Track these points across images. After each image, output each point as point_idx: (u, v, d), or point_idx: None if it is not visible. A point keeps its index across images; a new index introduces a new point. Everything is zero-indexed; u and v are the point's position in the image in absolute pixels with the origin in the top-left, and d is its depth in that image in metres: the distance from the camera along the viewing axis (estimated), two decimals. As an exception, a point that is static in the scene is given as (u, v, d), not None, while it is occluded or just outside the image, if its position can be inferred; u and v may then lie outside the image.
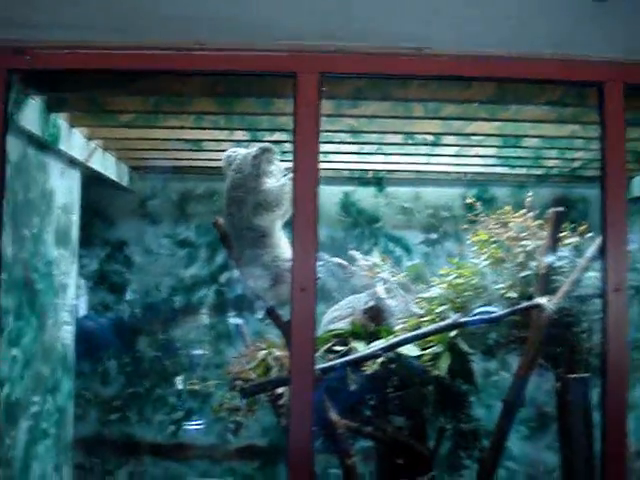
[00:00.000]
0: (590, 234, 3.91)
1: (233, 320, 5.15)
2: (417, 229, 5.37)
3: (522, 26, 2.75)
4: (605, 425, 2.84)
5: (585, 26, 2.69)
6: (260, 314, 3.71)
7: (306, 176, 2.74)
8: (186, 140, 4.34)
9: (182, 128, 4.00)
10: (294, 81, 2.74)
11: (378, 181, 5.32)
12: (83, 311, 5.13)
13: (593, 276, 3.82)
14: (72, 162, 4.28)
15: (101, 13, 2.71)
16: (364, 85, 3.26)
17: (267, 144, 3.50)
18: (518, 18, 2.72)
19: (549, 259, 3.81)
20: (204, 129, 4.02)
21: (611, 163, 2.83)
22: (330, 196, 5.32)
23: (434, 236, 5.37)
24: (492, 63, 2.81)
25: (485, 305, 3.83)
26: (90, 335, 5.11)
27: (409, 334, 3.74)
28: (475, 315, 3.76)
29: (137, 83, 3.32)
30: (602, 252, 2.90)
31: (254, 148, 3.50)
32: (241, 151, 3.55)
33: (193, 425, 5.18)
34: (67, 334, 4.52)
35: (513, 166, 4.95)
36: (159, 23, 2.74)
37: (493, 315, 3.75)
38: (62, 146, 3.94)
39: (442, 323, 3.74)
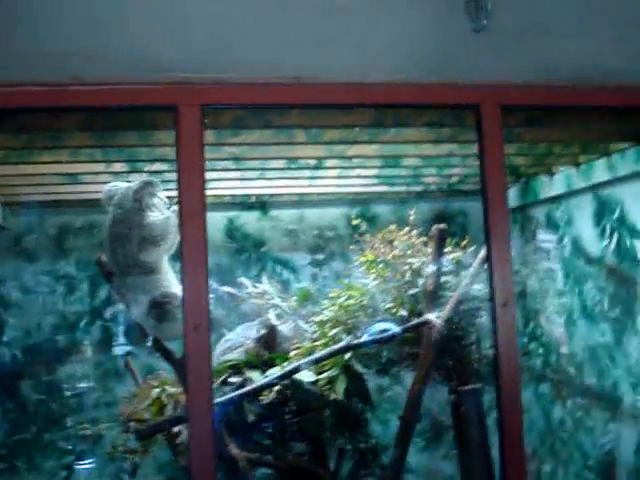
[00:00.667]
0: (472, 247, 4.04)
1: (120, 356, 5.00)
2: (303, 251, 5.38)
3: (401, 52, 2.82)
4: (502, 432, 2.92)
5: (461, 52, 2.77)
6: (149, 349, 3.62)
7: (192, 209, 2.69)
8: (62, 174, 4.18)
9: (57, 163, 3.84)
10: (175, 114, 2.68)
11: (262, 205, 5.30)
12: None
13: (477, 288, 3.94)
14: (-61, 203, 4.06)
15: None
16: (245, 114, 3.24)
17: (149, 177, 3.42)
18: (397, 45, 2.77)
19: (435, 275, 3.90)
20: (80, 162, 3.88)
21: (491, 182, 2.92)
22: (214, 222, 5.21)
23: (321, 257, 5.39)
24: (371, 90, 2.85)
25: (379, 321, 3.87)
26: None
27: (304, 360, 3.74)
28: (372, 331, 3.80)
29: (9, 120, 3.17)
30: (488, 268, 2.98)
31: (135, 182, 3.42)
32: (122, 185, 3.46)
33: (84, 466, 4.98)
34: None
35: (393, 184, 5.04)
36: (30, 58, 2.63)
37: (385, 335, 3.79)
38: None
39: (336, 346, 3.76)
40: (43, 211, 5.03)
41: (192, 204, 2.68)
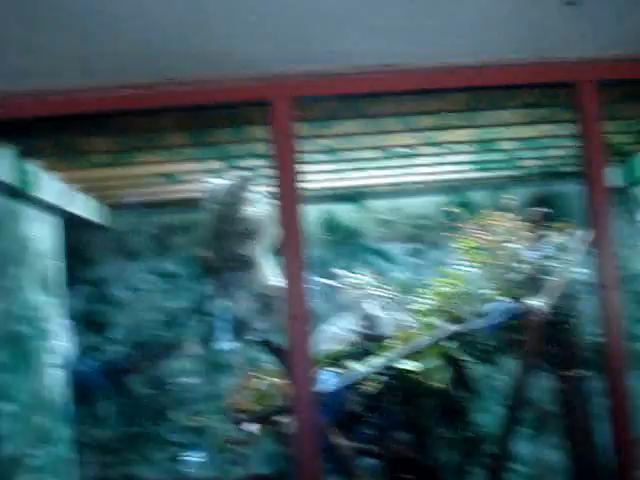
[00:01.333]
0: (573, 230, 3.93)
1: (224, 350, 5.10)
2: (400, 240, 5.35)
3: (490, 33, 2.75)
4: (613, 418, 2.84)
5: (553, 28, 2.70)
6: (252, 342, 3.69)
7: (288, 204, 2.72)
8: (161, 174, 4.30)
9: (156, 163, 3.96)
10: (267, 108, 2.72)
11: (358, 196, 5.30)
12: (73, 354, 5.06)
13: (581, 272, 3.84)
14: (49, 207, 4.23)
15: (66, 58, 2.68)
16: (337, 105, 3.25)
17: (245, 173, 3.48)
18: (485, 25, 2.72)
19: (535, 260, 3.82)
20: (178, 162, 3.98)
21: (591, 163, 2.83)
22: (311, 215, 5.28)
23: (418, 246, 5.35)
24: (463, 73, 2.81)
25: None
26: (81, 379, 5.03)
27: (404, 349, 3.73)
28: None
29: (107, 124, 3.28)
30: (591, 252, 2.90)
31: (233, 178, 3.48)
32: (220, 182, 3.53)
33: (195, 458, 5.11)
34: (57, 381, 4.45)
35: (490, 169, 4.95)
36: (125, 62, 2.71)
37: (486, 324, 3.74)
38: (38, 192, 3.89)
39: (436, 334, 3.73)
40: (145, 211, 5.19)
41: (288, 197, 2.71)
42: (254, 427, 3.54)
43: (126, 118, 3.21)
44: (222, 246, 3.41)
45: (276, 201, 2.75)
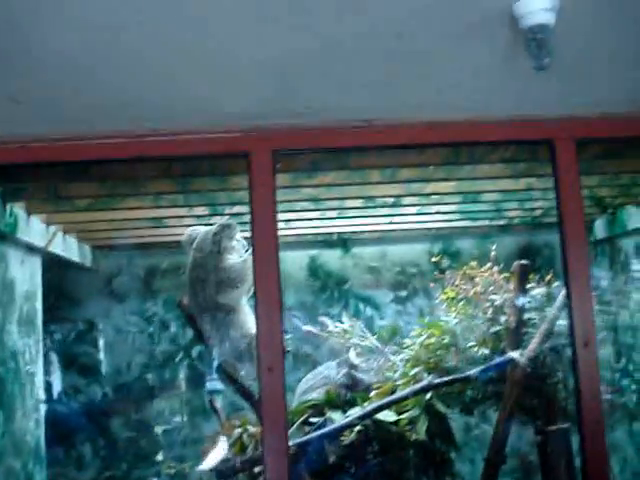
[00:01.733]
0: (557, 282, 3.94)
1: (207, 394, 5.08)
2: (386, 287, 5.36)
3: (469, 90, 2.79)
4: (586, 474, 2.82)
5: (531, 86, 2.73)
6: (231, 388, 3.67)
7: (266, 253, 2.72)
8: (147, 218, 4.32)
9: (141, 208, 3.99)
10: (247, 160, 2.74)
11: (343, 243, 5.33)
12: (54, 394, 5.03)
13: (563, 324, 3.83)
14: (32, 249, 4.24)
15: (50, 107, 2.70)
16: (320, 157, 3.28)
17: (227, 220, 3.49)
18: (465, 83, 2.75)
19: (517, 312, 3.82)
20: (163, 207, 4.01)
21: (569, 218, 2.85)
22: (297, 261, 5.30)
23: (403, 293, 5.36)
24: (443, 129, 2.85)
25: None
26: (61, 420, 5.00)
27: (385, 399, 3.71)
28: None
29: (91, 170, 3.31)
30: (568, 307, 2.91)
31: (214, 225, 3.49)
32: (201, 229, 3.54)
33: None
34: (37, 423, 4.41)
35: (475, 219, 4.99)
36: (108, 112, 2.73)
37: (467, 373, 3.73)
38: (21, 234, 3.90)
39: (417, 386, 3.71)
40: (131, 253, 5.19)
41: (265, 246, 2.72)
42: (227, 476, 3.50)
43: (108, 165, 3.23)
44: (200, 293, 3.41)
45: (252, 249, 2.76)
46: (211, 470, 3.67)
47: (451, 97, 2.77)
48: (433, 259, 4.15)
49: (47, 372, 4.76)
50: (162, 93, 2.65)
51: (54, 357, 5.11)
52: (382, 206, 4.29)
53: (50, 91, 2.62)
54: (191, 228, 3.58)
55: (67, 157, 2.85)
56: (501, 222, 5.13)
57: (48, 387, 4.82)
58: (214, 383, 4.97)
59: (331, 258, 5.37)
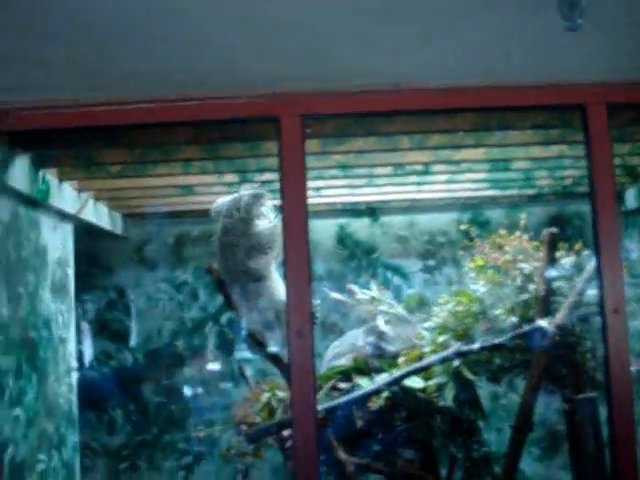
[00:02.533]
0: (586, 251, 3.91)
1: (237, 361, 5.14)
2: (414, 257, 5.36)
3: (501, 54, 2.76)
4: (614, 443, 2.82)
5: (564, 50, 2.69)
6: (261, 354, 3.71)
7: (296, 218, 2.74)
8: (177, 186, 4.35)
9: (171, 175, 4.01)
10: (277, 125, 2.74)
11: (372, 211, 5.32)
12: (86, 360, 5.11)
13: (592, 294, 3.81)
14: (64, 216, 4.28)
15: (82, 71, 2.72)
16: (349, 123, 3.27)
17: (257, 190, 3.50)
18: (496, 47, 2.72)
19: (546, 280, 3.80)
20: (193, 174, 4.02)
21: (600, 185, 2.83)
22: (325, 230, 5.31)
23: (432, 263, 5.35)
24: (473, 94, 2.83)
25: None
26: (93, 386, 5.09)
27: (412, 366, 3.72)
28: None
29: (122, 136, 3.33)
30: (598, 274, 2.89)
31: (243, 193, 3.51)
32: (230, 197, 3.56)
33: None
34: (69, 388, 4.50)
35: (505, 188, 4.96)
36: (139, 77, 2.75)
37: (495, 341, 3.73)
38: (53, 201, 3.94)
39: (445, 353, 3.71)
40: (162, 221, 5.24)
41: (295, 212, 2.74)
42: (256, 439, 3.55)
43: (139, 131, 3.24)
44: (230, 259, 3.43)
45: (283, 215, 2.77)
46: (240, 434, 3.72)
47: (481, 61, 2.75)
48: (462, 227, 4.12)
49: (79, 338, 4.83)
50: (192, 58, 2.65)
51: (86, 324, 5.19)
52: (411, 173, 4.27)
53: (82, 56, 2.64)
54: (221, 198, 3.59)
55: (98, 122, 2.88)
56: (531, 191, 5.09)
57: (80, 353, 4.90)
58: (243, 351, 5.04)
59: (360, 227, 5.37)
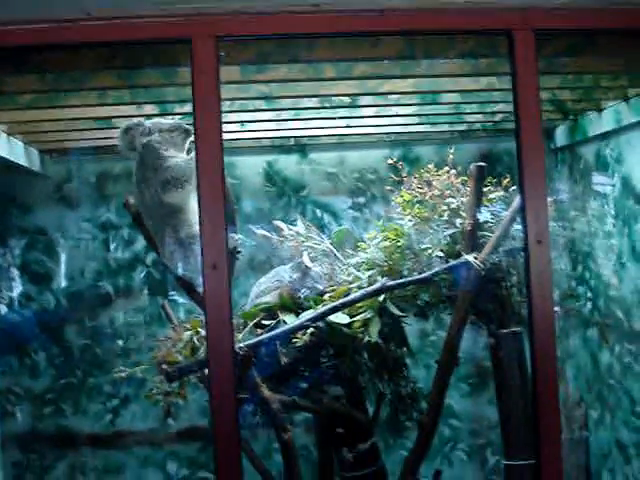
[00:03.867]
0: (514, 187, 3.88)
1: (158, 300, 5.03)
2: (344, 194, 5.28)
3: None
4: (536, 376, 2.82)
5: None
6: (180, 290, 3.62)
7: (209, 147, 2.61)
8: (94, 118, 4.15)
9: (86, 106, 3.82)
10: (189, 47, 2.60)
11: (301, 148, 5.20)
12: (8, 297, 4.94)
13: (519, 229, 3.79)
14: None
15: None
16: (269, 49, 3.13)
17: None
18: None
19: (473, 215, 3.76)
20: (109, 105, 3.84)
21: (525, 114, 2.76)
22: (253, 167, 5.18)
23: (362, 200, 5.28)
24: (397, 15, 2.71)
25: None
26: (14, 329, 4.93)
27: (338, 301, 3.66)
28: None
29: (29, 60, 3.12)
30: (521, 205, 2.85)
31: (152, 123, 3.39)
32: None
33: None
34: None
35: (435, 123, 4.89)
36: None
37: (421, 276, 3.70)
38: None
39: (370, 288, 3.66)
40: (82, 158, 5.04)
41: (208, 139, 2.61)
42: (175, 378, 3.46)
43: (47, 55, 3.05)
44: (146, 193, 3.30)
45: (196, 147, 2.64)
46: (160, 373, 3.63)
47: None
48: (389, 162, 4.05)
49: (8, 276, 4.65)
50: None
51: (4, 266, 4.99)
52: (339, 106, 4.16)
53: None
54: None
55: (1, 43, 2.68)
56: (461, 127, 5.03)
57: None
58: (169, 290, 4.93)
59: (288, 164, 5.25)
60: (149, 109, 3.96)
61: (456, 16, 2.74)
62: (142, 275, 5.19)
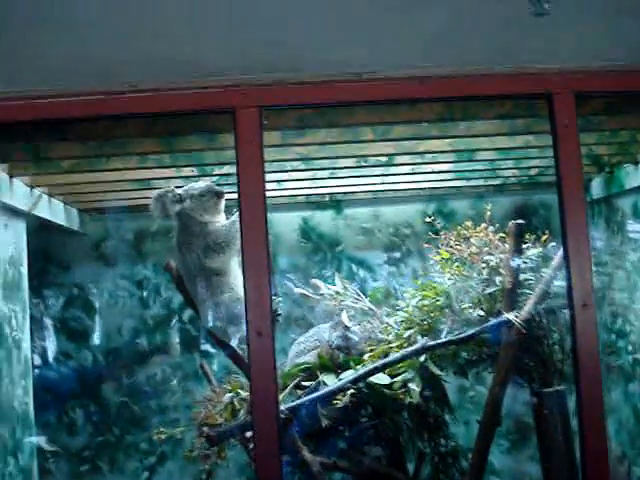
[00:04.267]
0: (553, 243, 3.86)
1: (197, 359, 5.04)
2: (379, 249, 5.28)
3: (464, 43, 2.68)
4: (584, 438, 2.77)
5: (530, 37, 2.62)
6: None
7: (253, 214, 2.64)
8: (133, 180, 4.21)
9: (127, 169, 3.88)
10: (233, 117, 2.64)
11: (336, 204, 5.23)
12: (43, 360, 4.97)
13: (560, 285, 3.76)
14: (15, 213, 4.13)
15: (31, 62, 2.60)
16: (309, 114, 3.17)
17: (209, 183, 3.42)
18: (459, 35, 2.64)
19: (513, 272, 3.74)
20: (149, 168, 3.90)
21: (567, 176, 2.76)
22: (288, 223, 5.21)
23: (397, 255, 5.28)
24: (436, 83, 2.73)
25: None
26: (52, 386, 4.95)
27: (378, 362, 3.65)
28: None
29: (74, 129, 3.20)
30: (566, 267, 2.83)
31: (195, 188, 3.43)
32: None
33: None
34: (25, 390, 4.35)
35: (470, 178, 4.90)
36: (90, 68, 2.63)
37: (462, 335, 3.67)
38: (3, 198, 3.79)
39: (411, 348, 3.65)
40: (120, 216, 5.09)
41: (252, 207, 2.63)
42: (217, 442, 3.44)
43: (91, 124, 3.12)
44: (188, 257, 3.33)
45: (239, 210, 2.67)
46: (201, 435, 3.62)
47: (445, 49, 2.66)
48: (427, 220, 4.05)
49: (35, 338, 4.68)
50: (143, 49, 2.54)
51: (43, 323, 5.03)
52: (375, 165, 4.19)
53: (29, 47, 2.52)
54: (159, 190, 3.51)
55: (48, 115, 2.75)
56: (496, 182, 5.03)
57: (37, 353, 4.75)
58: (206, 349, 4.94)
59: (324, 220, 5.27)
60: (187, 171, 4.01)
61: (495, 82, 2.77)
62: (178, 332, 5.20)
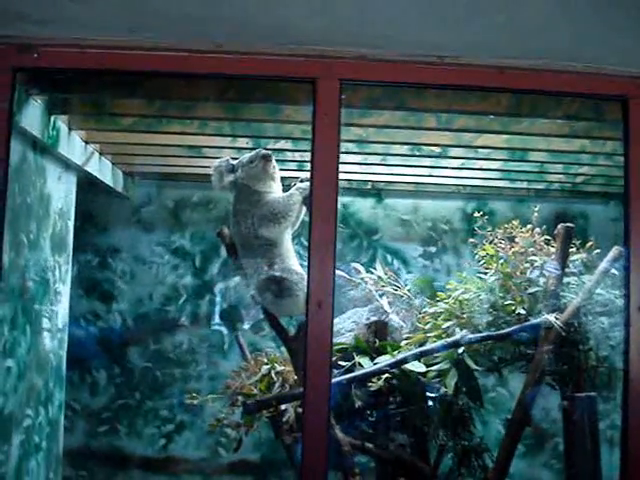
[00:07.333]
0: (597, 250, 3.86)
1: (225, 332, 5.06)
2: (415, 242, 5.30)
3: (545, 37, 2.68)
4: (626, 446, 2.78)
5: (612, 38, 2.62)
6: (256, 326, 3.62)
7: (326, 187, 2.65)
8: (186, 146, 4.22)
9: (184, 134, 3.89)
10: (313, 88, 2.65)
11: (377, 192, 5.24)
12: (74, 318, 5.00)
13: (601, 294, 3.77)
14: (69, 166, 4.15)
15: (113, 11, 2.58)
16: (378, 94, 3.18)
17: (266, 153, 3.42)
18: (540, 28, 2.64)
19: (558, 275, 3.75)
20: (208, 135, 3.91)
21: (636, 180, 2.76)
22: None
23: (432, 249, 5.29)
24: (516, 74, 2.74)
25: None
26: (80, 345, 4.98)
27: (416, 350, 3.66)
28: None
29: (145, 86, 3.21)
30: (625, 271, 2.83)
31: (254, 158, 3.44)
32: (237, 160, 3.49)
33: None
34: (60, 344, 4.38)
35: (514, 180, 4.90)
36: (174, 23, 2.63)
37: (503, 332, 3.68)
38: (61, 150, 3.81)
39: (450, 339, 3.65)
40: (163, 183, 5.12)
41: (325, 179, 2.65)
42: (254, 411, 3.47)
43: (164, 82, 3.13)
44: (243, 225, 3.35)
45: (311, 185, 2.68)
46: (234, 405, 3.64)
47: (525, 41, 2.66)
48: (473, 215, 4.06)
49: (69, 294, 4.71)
50: (231, 9, 2.54)
51: (77, 280, 5.06)
52: (426, 156, 4.19)
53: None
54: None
55: (126, 66, 2.74)
56: (539, 186, 5.03)
57: (68, 309, 4.78)
58: (239, 322, 4.94)
59: (363, 207, 5.29)
60: (242, 142, 4.02)
61: (574, 79, 2.76)
62: (209, 304, 5.22)
